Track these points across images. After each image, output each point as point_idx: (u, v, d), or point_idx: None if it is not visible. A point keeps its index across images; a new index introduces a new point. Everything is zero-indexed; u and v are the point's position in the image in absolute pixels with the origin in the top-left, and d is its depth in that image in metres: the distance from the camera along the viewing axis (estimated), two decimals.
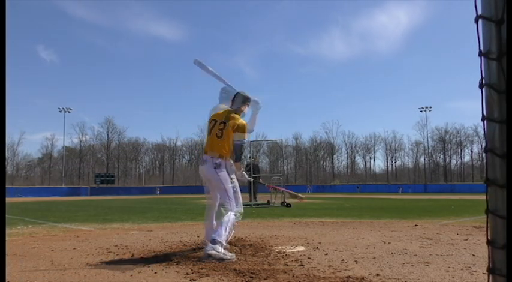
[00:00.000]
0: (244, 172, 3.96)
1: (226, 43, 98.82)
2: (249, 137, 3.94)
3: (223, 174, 3.70)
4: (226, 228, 3.50)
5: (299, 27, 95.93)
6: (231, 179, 3.82)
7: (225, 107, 3.90)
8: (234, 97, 3.93)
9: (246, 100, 3.92)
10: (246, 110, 3.92)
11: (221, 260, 3.29)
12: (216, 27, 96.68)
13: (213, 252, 3.31)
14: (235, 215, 3.66)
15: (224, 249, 3.44)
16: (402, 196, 29.58)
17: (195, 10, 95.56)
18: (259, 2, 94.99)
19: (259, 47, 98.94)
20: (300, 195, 3.82)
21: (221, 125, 3.73)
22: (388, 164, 79.00)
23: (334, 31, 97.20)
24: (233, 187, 3.81)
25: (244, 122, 3.80)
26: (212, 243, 3.37)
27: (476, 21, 0.89)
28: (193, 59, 3.85)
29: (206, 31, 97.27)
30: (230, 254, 3.42)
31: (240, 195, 3.91)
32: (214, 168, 3.66)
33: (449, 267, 3.07)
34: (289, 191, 3.97)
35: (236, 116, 3.79)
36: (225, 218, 3.58)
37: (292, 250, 3.94)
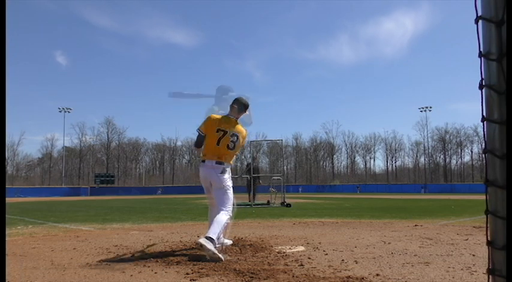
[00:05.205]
0: None
1: (238, 48, 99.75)
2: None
3: (228, 179, 3.89)
4: (219, 227, 3.58)
5: (308, 33, 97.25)
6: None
7: (222, 111, 3.99)
8: (233, 103, 4.02)
9: (246, 108, 4.07)
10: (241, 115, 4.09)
11: (212, 254, 3.32)
12: (228, 33, 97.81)
13: (206, 244, 3.33)
14: (226, 215, 3.75)
15: (218, 249, 3.50)
16: (423, 196, 29.46)
17: (203, 16, 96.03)
18: (270, 10, 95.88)
19: (269, 52, 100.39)
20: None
21: (234, 138, 3.91)
22: (388, 164, 79.05)
23: (343, 37, 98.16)
24: (231, 190, 3.97)
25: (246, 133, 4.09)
26: (206, 238, 3.43)
27: (476, 22, 0.89)
28: (168, 93, 4.09)
29: (214, 36, 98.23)
30: (220, 255, 3.41)
31: (231, 198, 3.99)
32: (221, 173, 3.85)
33: (449, 267, 3.07)
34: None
35: (243, 129, 4.02)
36: (219, 217, 3.68)
37: (292, 250, 3.94)
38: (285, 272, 2.87)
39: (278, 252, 3.78)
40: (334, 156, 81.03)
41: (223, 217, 3.68)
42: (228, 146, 3.88)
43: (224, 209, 3.77)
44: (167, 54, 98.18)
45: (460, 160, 76.40)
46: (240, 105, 4.01)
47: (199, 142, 4.01)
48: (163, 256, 3.63)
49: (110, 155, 75.40)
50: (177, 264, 3.26)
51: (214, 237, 3.45)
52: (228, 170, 3.92)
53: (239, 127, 3.99)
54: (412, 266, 3.12)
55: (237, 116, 4.03)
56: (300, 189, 57.01)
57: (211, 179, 3.88)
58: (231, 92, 4.11)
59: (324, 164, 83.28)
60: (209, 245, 3.34)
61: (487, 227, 0.89)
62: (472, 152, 73.77)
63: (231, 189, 3.92)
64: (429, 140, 71.25)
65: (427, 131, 70.05)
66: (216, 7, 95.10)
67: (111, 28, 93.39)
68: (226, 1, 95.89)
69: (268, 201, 13.91)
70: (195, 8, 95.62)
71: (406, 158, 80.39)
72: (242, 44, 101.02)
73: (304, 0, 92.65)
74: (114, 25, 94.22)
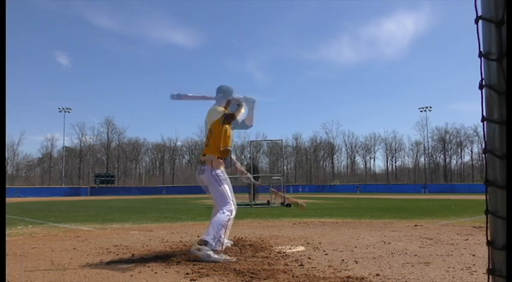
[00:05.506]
0: (249, 174, 3.96)
1: (239, 49, 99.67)
2: (239, 123, 3.86)
3: (211, 177, 3.71)
4: (214, 228, 3.49)
5: (309, 34, 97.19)
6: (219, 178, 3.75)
7: (221, 109, 3.87)
8: (227, 102, 3.96)
9: (238, 107, 3.94)
10: (240, 115, 3.89)
11: (207, 259, 3.31)
12: (228, 34, 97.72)
13: (197, 252, 3.34)
14: (224, 213, 3.60)
15: (218, 250, 3.43)
16: (423, 196, 29.41)
17: (204, 16, 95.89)
18: (271, 10, 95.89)
19: (269, 53, 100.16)
20: (303, 203, 3.72)
21: (209, 133, 3.83)
22: (388, 164, 79.02)
23: (343, 38, 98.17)
24: (225, 184, 3.76)
25: (225, 110, 3.82)
26: (199, 244, 3.40)
27: (476, 22, 0.89)
28: (171, 94, 3.87)
29: (215, 36, 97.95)
30: (227, 257, 3.42)
31: (228, 194, 3.76)
32: (200, 174, 3.76)
33: (449, 267, 3.07)
34: (293, 199, 3.82)
35: (218, 118, 3.77)
36: (215, 217, 3.59)
37: (292, 250, 3.94)
38: (285, 272, 2.87)
39: (278, 252, 3.78)
40: (334, 156, 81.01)
41: (219, 217, 3.57)
42: (205, 143, 3.86)
43: (220, 208, 3.65)
44: (168, 54, 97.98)
45: (460, 160, 76.40)
46: (233, 104, 3.94)
47: None
48: (163, 256, 3.63)
49: (110, 155, 75.38)
50: (177, 264, 3.26)
51: (208, 238, 3.39)
52: (211, 168, 3.71)
53: (213, 120, 3.80)
54: (412, 266, 3.12)
55: (228, 108, 3.92)
56: (300, 189, 57.03)
57: (197, 179, 3.84)
58: (231, 97, 4.03)
59: (324, 164, 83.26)
60: (200, 252, 3.32)
61: (487, 227, 0.89)
62: (472, 152, 73.76)
63: (223, 186, 3.71)
64: (429, 140, 71.26)
65: (427, 131, 70.04)
66: (217, 7, 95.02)
67: (111, 28, 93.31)
68: (227, 1, 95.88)
69: (268, 201, 13.92)
70: (196, 8, 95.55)
71: (406, 158, 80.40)
72: (243, 45, 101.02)
73: (304, 0, 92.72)
74: (114, 25, 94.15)
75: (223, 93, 3.96)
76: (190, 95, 3.88)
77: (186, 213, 10.59)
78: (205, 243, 3.38)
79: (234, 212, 3.71)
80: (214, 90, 4.04)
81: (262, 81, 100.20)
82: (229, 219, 3.62)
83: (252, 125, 4.15)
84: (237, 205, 3.92)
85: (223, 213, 3.60)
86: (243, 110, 3.93)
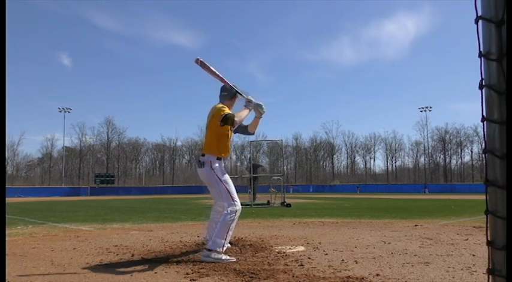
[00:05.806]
0: (250, 97, 3.71)
1: (240, 49, 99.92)
2: (237, 126, 3.74)
3: (209, 172, 3.58)
4: (215, 229, 3.47)
5: (310, 34, 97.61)
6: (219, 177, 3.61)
7: (223, 108, 3.77)
8: (232, 97, 3.84)
9: (245, 107, 3.83)
10: (243, 114, 3.75)
11: (209, 258, 3.33)
12: (230, 35, 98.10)
13: (206, 259, 3.35)
14: (226, 215, 3.49)
15: (219, 250, 3.42)
16: (423, 196, 29.37)
17: (206, 17, 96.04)
18: (273, 11, 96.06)
19: (271, 53, 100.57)
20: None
21: (208, 120, 3.73)
22: (388, 164, 79.05)
23: (344, 39, 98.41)
24: (225, 183, 3.62)
25: (228, 110, 3.66)
26: (207, 250, 3.41)
27: (476, 22, 0.89)
28: (195, 58, 3.71)
29: (217, 37, 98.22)
30: (227, 257, 3.41)
31: (230, 195, 3.61)
32: (200, 167, 3.63)
33: (449, 267, 3.07)
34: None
35: (218, 113, 3.61)
36: (215, 219, 3.57)
37: (292, 250, 3.94)
38: (285, 272, 2.87)
39: (278, 252, 3.78)
40: (334, 156, 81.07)
41: (221, 218, 3.49)
42: (205, 137, 3.77)
43: (222, 209, 3.55)
44: (169, 55, 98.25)
45: (460, 160, 76.46)
46: (230, 93, 3.82)
47: None
48: (163, 256, 3.63)
49: (110, 155, 75.38)
50: (177, 264, 3.26)
51: (208, 243, 3.44)
52: (208, 162, 3.58)
53: (212, 114, 3.68)
54: (412, 266, 3.12)
55: (231, 106, 3.82)
56: (301, 189, 56.98)
57: (199, 175, 3.72)
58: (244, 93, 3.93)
59: (324, 164, 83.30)
60: (200, 253, 3.35)
61: (487, 227, 0.89)
62: (472, 152, 73.85)
63: (224, 187, 3.58)
64: (429, 140, 71.36)
65: (427, 131, 70.18)
66: (218, 8, 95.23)
67: (112, 29, 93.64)
68: (228, 2, 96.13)
69: (268, 201, 13.92)
70: (197, 9, 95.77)
71: (406, 158, 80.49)
72: (244, 45, 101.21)
73: (306, 1, 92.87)
74: (116, 26, 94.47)
75: (227, 92, 3.89)
76: (213, 69, 3.77)
77: (186, 213, 10.59)
78: (212, 251, 3.37)
79: (238, 213, 3.60)
80: (218, 90, 3.98)
81: (263, 81, 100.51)
82: (232, 220, 3.52)
83: (254, 133, 4.11)
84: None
85: (225, 214, 3.49)
86: (247, 111, 3.78)
